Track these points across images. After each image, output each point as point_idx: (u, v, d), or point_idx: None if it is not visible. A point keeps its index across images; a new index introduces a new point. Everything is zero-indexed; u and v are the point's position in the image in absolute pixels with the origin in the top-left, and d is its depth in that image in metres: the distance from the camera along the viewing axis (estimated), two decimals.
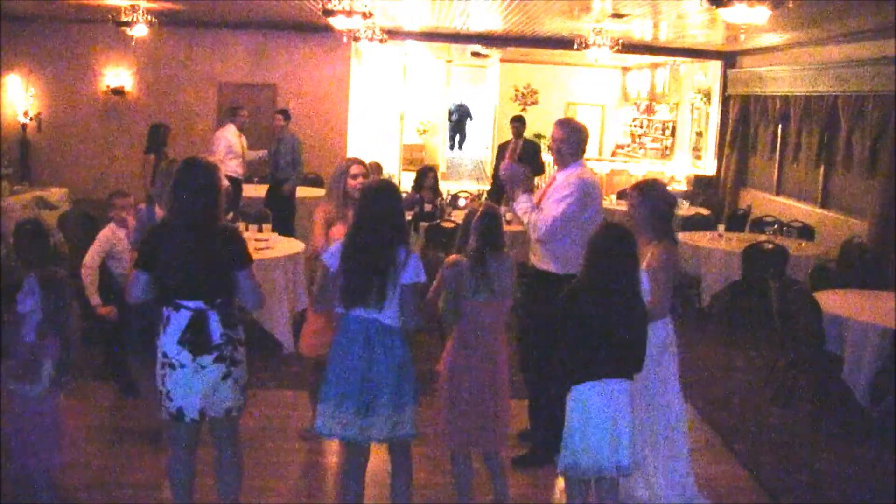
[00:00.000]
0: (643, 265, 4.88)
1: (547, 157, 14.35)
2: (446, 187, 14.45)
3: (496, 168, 13.22)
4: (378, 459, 5.24)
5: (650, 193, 5.34)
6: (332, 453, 6.26)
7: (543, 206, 5.88)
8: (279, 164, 12.02)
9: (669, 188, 15.95)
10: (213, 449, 4.76)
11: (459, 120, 32.27)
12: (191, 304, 4.45)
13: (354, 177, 5.83)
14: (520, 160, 12.43)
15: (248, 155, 12.34)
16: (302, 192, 12.64)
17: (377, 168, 11.13)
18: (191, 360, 4.44)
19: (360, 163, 6.01)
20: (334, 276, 4.60)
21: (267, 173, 12.49)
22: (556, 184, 5.95)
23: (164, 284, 4.48)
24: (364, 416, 4.54)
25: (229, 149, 11.89)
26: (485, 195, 12.66)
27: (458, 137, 32.55)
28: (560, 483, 5.41)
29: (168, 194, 4.73)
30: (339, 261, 4.57)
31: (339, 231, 5.78)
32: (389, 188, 4.77)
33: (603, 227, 4.79)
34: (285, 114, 12.51)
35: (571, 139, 5.97)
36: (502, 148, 13.21)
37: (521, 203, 5.91)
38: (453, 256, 4.96)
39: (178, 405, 4.49)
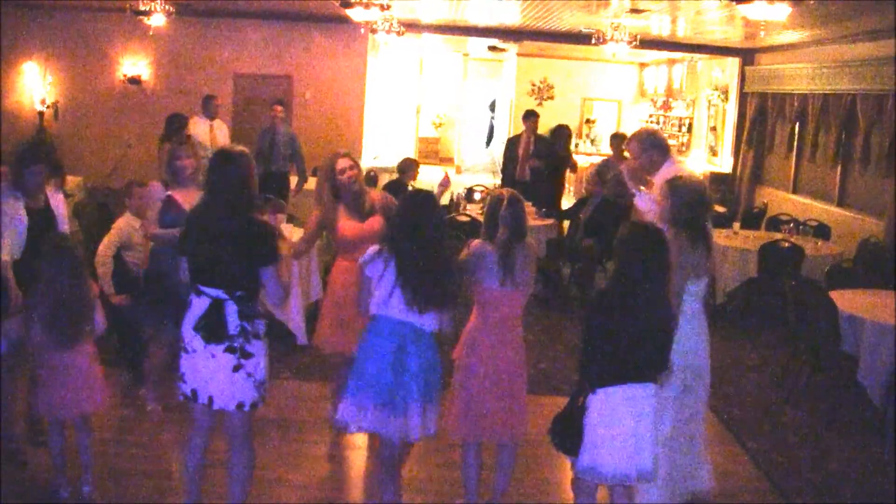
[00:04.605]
0: None
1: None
2: (461, 181, 14.44)
3: (505, 162, 13.16)
4: None
5: (678, 188, 5.16)
6: (346, 445, 6.27)
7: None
8: (277, 156, 11.90)
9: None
10: (229, 446, 4.72)
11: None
12: (211, 291, 4.45)
13: (342, 171, 5.90)
14: (535, 156, 12.49)
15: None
16: (312, 183, 12.62)
17: (413, 165, 11.08)
18: (202, 347, 4.45)
19: (348, 156, 6.03)
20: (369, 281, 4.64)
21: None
22: (653, 188, 6.11)
23: (191, 268, 4.55)
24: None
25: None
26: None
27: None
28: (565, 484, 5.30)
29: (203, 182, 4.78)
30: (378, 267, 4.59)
31: (349, 227, 5.88)
32: (429, 200, 4.74)
33: (631, 227, 4.61)
34: (283, 104, 12.50)
35: (646, 146, 6.08)
36: (511, 142, 13.17)
37: (644, 201, 5.96)
38: (478, 241, 4.93)
39: (192, 387, 4.53)
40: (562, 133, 12.75)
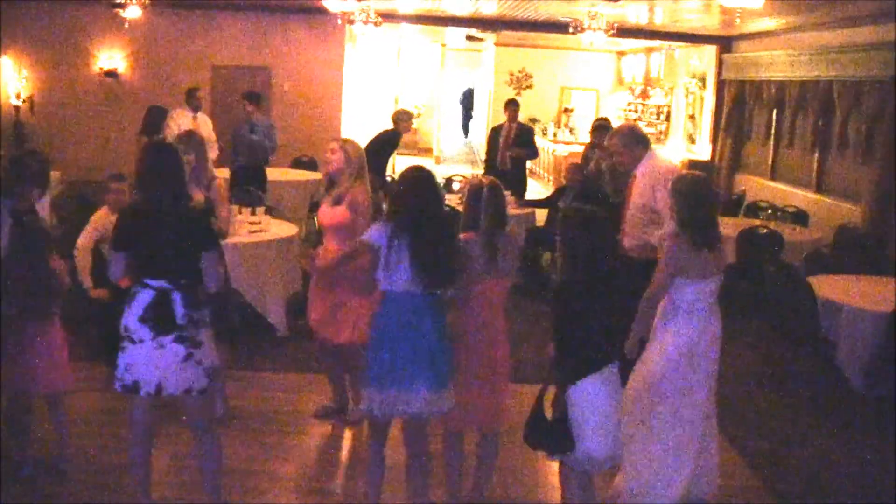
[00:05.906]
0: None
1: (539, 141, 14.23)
2: (440, 171, 14.43)
3: (489, 152, 13.11)
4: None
5: (679, 189, 5.02)
6: (331, 436, 6.28)
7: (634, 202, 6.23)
8: (256, 148, 11.62)
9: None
10: (193, 436, 4.80)
11: (469, 106, 30.75)
12: (155, 283, 4.50)
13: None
14: (516, 145, 12.47)
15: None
16: (292, 175, 12.60)
17: (407, 116, 11.04)
18: (151, 338, 4.48)
19: (334, 140, 6.21)
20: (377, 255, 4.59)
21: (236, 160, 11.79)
22: (637, 181, 6.23)
23: (133, 263, 4.56)
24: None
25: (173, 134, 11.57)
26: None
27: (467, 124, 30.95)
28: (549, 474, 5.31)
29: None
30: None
31: (321, 212, 5.99)
32: (430, 177, 4.74)
33: (568, 214, 4.72)
34: (254, 97, 12.04)
35: (630, 142, 6.25)
36: (495, 131, 13.12)
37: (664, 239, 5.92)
38: (466, 235, 4.90)
39: (135, 378, 4.52)
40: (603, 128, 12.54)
